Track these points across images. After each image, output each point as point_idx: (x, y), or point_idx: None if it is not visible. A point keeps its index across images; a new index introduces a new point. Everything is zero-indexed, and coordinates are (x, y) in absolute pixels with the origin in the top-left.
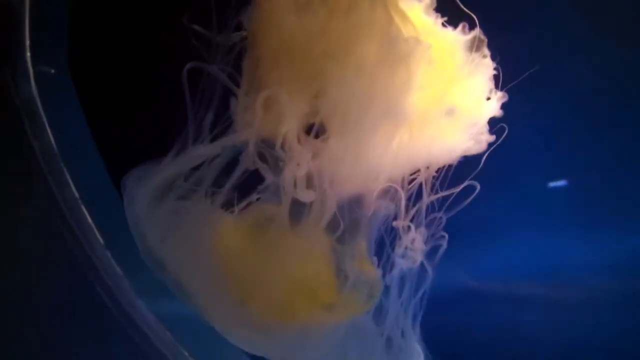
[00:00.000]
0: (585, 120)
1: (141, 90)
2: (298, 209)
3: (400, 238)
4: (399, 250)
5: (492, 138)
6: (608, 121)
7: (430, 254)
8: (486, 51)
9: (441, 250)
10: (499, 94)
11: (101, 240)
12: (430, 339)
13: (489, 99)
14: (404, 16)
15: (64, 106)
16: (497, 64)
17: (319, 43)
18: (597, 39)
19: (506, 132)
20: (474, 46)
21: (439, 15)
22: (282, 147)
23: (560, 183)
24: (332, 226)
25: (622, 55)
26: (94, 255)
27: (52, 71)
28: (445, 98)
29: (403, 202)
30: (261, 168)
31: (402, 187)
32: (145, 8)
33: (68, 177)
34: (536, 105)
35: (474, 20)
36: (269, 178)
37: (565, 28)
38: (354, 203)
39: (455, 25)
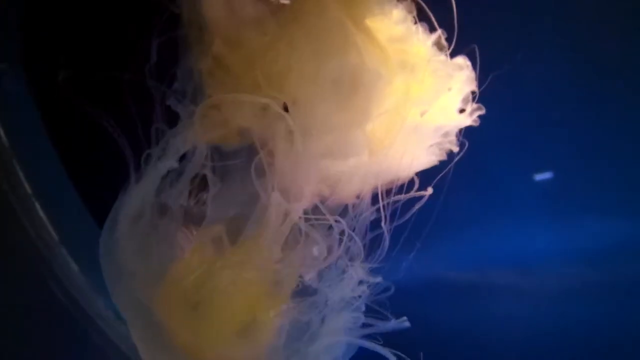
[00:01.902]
0: (557, 113)
1: (96, 83)
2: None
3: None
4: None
5: (457, 149)
6: (580, 114)
7: (404, 244)
8: (462, 61)
9: (415, 241)
10: (475, 105)
11: (55, 237)
12: (404, 328)
13: (463, 110)
14: (369, 35)
15: (16, 101)
16: (473, 56)
17: (263, 61)
18: (576, 31)
19: (479, 124)
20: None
21: (416, 18)
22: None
23: (533, 174)
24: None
25: (602, 47)
26: (48, 251)
27: (3, 65)
28: (415, 110)
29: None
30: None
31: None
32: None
33: (20, 173)
34: (509, 97)
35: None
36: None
37: (544, 20)
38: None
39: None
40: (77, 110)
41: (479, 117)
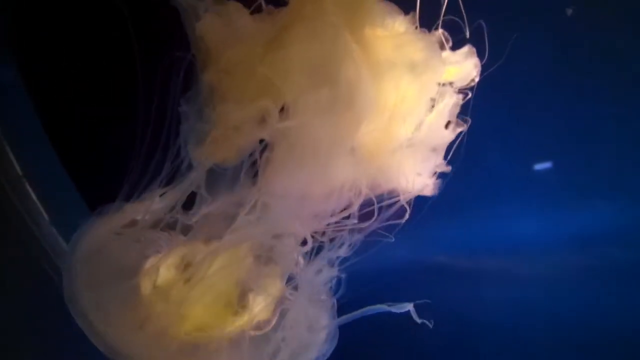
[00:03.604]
0: (549, 103)
1: (84, 66)
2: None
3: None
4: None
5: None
6: (571, 104)
7: (396, 230)
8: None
9: (407, 227)
10: (463, 119)
11: (46, 217)
12: (394, 313)
13: (449, 123)
14: (366, 46)
15: (7, 84)
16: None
17: (260, 72)
18: (573, 22)
19: (473, 112)
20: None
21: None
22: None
23: (524, 162)
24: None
25: (592, 35)
26: (39, 231)
27: None
28: (410, 124)
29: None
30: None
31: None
32: None
33: (11, 155)
34: (504, 87)
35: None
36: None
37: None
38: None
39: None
40: (68, 93)
41: (475, 108)
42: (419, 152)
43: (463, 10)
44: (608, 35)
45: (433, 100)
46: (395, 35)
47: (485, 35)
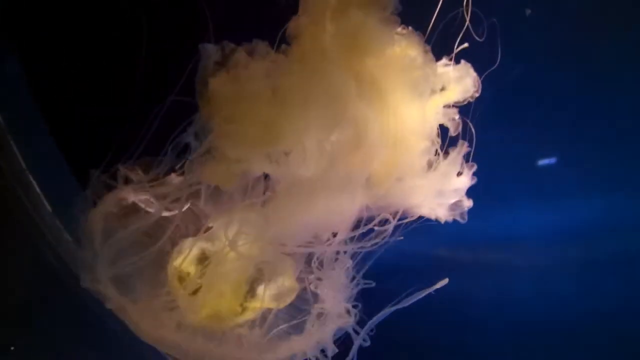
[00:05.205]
0: (546, 101)
1: (86, 62)
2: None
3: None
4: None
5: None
6: (567, 103)
7: (396, 223)
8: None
9: (406, 220)
10: (469, 165)
11: (49, 208)
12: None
13: (460, 173)
14: (370, 76)
15: (8, 76)
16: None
17: (265, 115)
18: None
19: (474, 110)
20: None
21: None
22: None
23: (522, 156)
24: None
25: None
26: (43, 223)
27: None
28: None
29: None
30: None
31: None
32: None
33: (15, 149)
34: (501, 85)
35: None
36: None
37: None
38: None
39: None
40: (71, 89)
41: (474, 103)
42: (434, 187)
43: (466, 13)
44: (607, 35)
45: (437, 121)
46: (396, 60)
47: (498, 34)
